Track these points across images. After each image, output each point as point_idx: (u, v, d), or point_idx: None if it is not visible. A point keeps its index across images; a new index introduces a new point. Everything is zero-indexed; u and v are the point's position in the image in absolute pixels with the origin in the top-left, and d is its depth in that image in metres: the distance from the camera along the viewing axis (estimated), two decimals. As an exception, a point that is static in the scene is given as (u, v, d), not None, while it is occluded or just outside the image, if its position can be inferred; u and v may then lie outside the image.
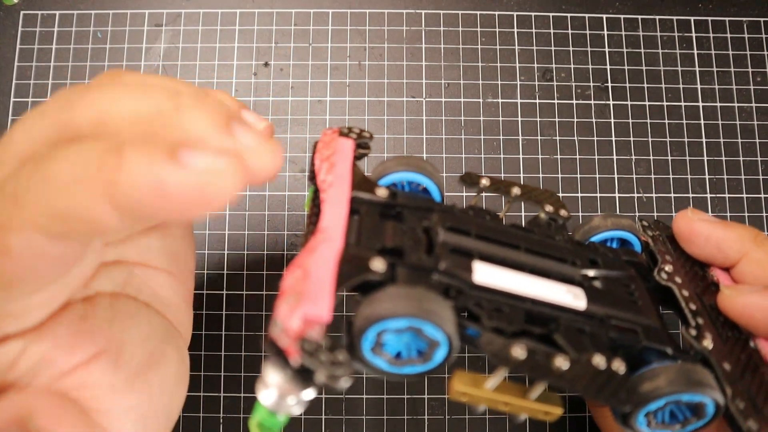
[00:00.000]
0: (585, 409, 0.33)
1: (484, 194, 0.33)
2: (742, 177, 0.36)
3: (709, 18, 0.38)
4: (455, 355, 0.17)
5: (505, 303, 0.19)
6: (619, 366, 0.18)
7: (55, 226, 0.14)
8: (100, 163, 0.13)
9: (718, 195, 0.35)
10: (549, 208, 0.23)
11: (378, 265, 0.18)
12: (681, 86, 0.37)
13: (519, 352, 0.17)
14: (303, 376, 0.16)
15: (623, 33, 0.37)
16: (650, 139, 0.36)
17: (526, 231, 0.22)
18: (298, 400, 0.17)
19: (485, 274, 0.19)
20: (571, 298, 0.20)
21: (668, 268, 0.22)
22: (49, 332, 0.17)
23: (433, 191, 0.23)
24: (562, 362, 0.18)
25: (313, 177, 0.21)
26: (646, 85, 0.37)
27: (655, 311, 0.21)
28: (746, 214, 0.35)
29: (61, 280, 0.16)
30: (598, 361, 0.18)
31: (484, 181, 0.23)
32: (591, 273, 0.21)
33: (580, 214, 0.34)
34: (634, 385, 0.18)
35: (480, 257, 0.20)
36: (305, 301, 0.15)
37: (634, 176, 0.35)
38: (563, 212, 0.23)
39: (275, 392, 0.16)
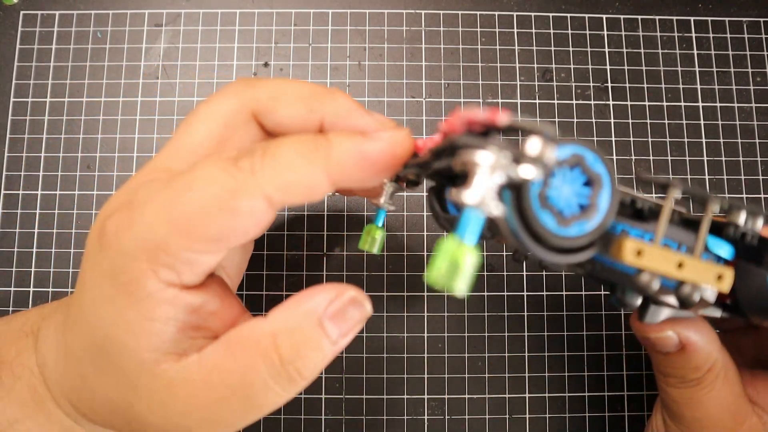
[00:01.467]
0: (585, 409, 0.33)
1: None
2: (742, 177, 0.36)
3: (709, 18, 0.38)
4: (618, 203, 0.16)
5: None
6: None
7: (277, 195, 0.18)
8: (315, 145, 0.19)
9: (717, 195, 0.35)
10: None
11: None
12: (681, 86, 0.37)
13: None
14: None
15: (623, 33, 0.37)
16: (650, 139, 0.36)
17: None
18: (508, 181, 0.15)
19: None
20: None
21: None
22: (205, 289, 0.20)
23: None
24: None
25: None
26: (645, 86, 0.37)
27: None
28: (746, 215, 0.35)
29: (229, 249, 0.19)
30: None
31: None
32: None
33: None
34: None
35: None
36: None
37: (634, 176, 0.35)
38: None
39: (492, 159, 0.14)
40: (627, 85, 0.37)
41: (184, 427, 0.19)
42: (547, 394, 0.33)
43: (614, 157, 0.35)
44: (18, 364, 0.23)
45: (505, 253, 0.34)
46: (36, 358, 0.23)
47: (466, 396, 0.33)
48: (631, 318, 0.23)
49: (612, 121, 0.36)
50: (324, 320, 0.19)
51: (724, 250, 0.19)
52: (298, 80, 0.22)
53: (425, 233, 0.34)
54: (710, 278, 0.17)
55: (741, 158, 0.36)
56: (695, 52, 0.37)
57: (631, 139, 0.36)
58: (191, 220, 0.18)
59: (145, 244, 0.18)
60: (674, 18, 0.38)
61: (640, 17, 0.38)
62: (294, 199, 0.19)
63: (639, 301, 0.21)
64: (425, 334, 0.33)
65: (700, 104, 0.36)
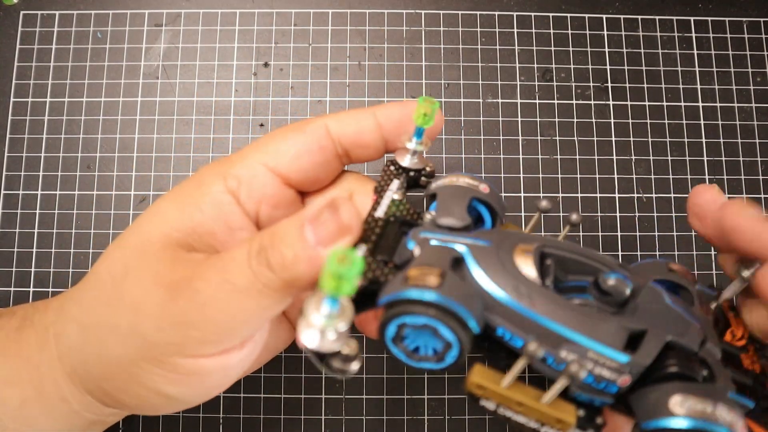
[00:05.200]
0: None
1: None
2: (742, 177, 0.36)
3: (709, 18, 0.38)
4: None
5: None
6: None
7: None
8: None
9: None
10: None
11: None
12: (681, 86, 0.37)
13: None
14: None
15: (623, 33, 0.37)
16: (650, 140, 0.36)
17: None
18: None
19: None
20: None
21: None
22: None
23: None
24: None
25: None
26: (645, 86, 0.37)
27: None
28: (746, 215, 0.35)
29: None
30: None
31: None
32: None
33: (580, 214, 0.34)
34: None
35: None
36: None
37: (634, 176, 0.35)
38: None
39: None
40: (627, 85, 0.37)
41: (161, 300, 0.20)
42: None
43: (614, 157, 0.35)
44: (43, 327, 0.24)
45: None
46: (54, 329, 0.23)
47: (466, 396, 0.33)
48: None
49: (612, 121, 0.36)
50: (305, 223, 0.19)
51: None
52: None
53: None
54: (549, 422, 0.19)
55: (741, 158, 0.36)
56: (695, 52, 0.37)
57: (631, 139, 0.36)
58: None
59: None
60: (674, 18, 0.38)
61: (640, 17, 0.38)
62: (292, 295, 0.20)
63: None
64: (425, 334, 0.33)
65: (700, 104, 0.36)
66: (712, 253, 0.34)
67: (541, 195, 0.35)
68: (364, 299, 0.20)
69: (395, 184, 0.24)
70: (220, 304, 0.19)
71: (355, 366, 0.18)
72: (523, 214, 0.34)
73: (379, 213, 0.23)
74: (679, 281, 0.23)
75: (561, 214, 0.34)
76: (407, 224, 0.23)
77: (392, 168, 0.24)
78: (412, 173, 0.24)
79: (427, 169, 0.25)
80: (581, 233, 0.34)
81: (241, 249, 0.20)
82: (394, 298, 0.18)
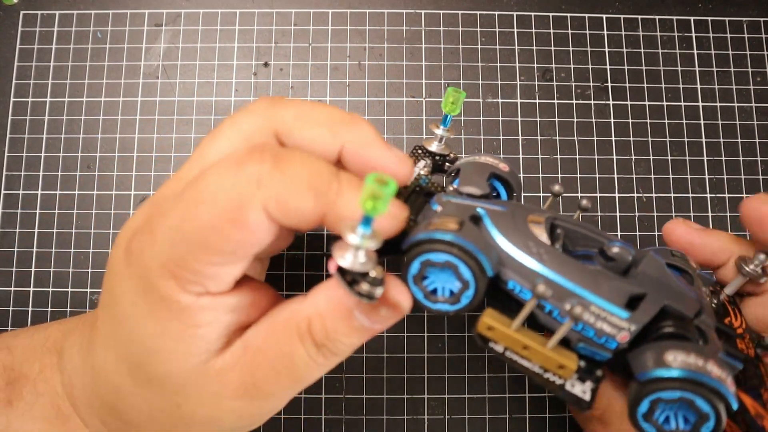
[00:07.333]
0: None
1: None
2: (742, 177, 0.36)
3: (709, 18, 0.38)
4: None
5: None
6: None
7: (275, 213, 0.18)
8: (328, 185, 0.19)
9: (717, 195, 0.35)
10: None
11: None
12: (681, 86, 0.37)
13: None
14: None
15: (623, 33, 0.37)
16: (650, 139, 0.36)
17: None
18: None
19: None
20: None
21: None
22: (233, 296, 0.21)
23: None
24: None
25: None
26: (645, 85, 0.37)
27: None
28: (746, 214, 0.35)
29: (250, 257, 0.20)
30: None
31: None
32: None
33: (580, 214, 0.34)
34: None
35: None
36: None
37: (634, 176, 0.35)
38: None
39: None
40: (627, 85, 0.37)
41: (237, 408, 0.20)
42: (547, 394, 0.33)
43: (614, 157, 0.35)
44: (41, 380, 0.24)
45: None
46: (61, 378, 0.24)
47: (466, 396, 0.33)
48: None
49: (612, 121, 0.36)
50: (355, 311, 0.19)
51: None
52: (322, 104, 0.22)
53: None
54: (552, 366, 0.20)
55: (741, 158, 0.36)
56: (695, 52, 0.37)
57: (631, 139, 0.36)
58: (204, 236, 0.18)
59: (166, 263, 0.19)
60: (674, 18, 0.38)
61: (640, 17, 0.38)
62: (286, 223, 0.19)
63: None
64: (425, 334, 0.33)
65: (700, 104, 0.36)
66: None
67: (541, 195, 0.35)
68: (391, 247, 0.21)
69: (421, 163, 0.26)
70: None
71: (380, 290, 0.18)
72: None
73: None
74: (680, 265, 0.24)
75: (561, 213, 0.34)
76: (431, 195, 0.24)
77: (419, 151, 0.27)
78: (437, 158, 0.26)
79: (451, 155, 0.27)
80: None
81: (300, 352, 0.20)
82: (419, 238, 0.20)
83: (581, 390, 0.21)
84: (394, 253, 0.21)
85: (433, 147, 0.26)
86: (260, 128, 0.21)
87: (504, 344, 0.21)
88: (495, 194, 0.25)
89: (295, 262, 0.33)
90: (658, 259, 0.22)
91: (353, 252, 0.18)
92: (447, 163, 0.27)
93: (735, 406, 0.18)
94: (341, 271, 0.18)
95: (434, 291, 0.21)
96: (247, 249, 0.19)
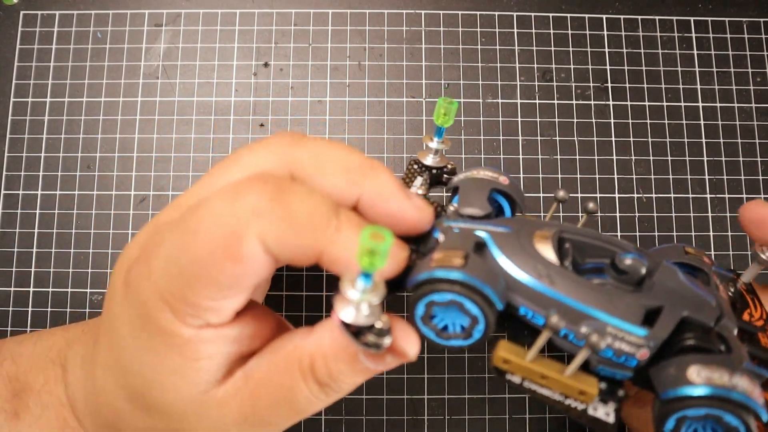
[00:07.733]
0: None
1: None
2: (742, 177, 0.36)
3: (709, 18, 0.38)
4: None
5: None
6: None
7: (273, 247, 0.18)
8: (327, 223, 0.18)
9: (717, 195, 0.35)
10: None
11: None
12: (681, 87, 0.37)
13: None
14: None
15: (623, 33, 0.37)
16: (650, 140, 0.36)
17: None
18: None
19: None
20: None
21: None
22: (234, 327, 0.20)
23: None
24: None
25: None
26: (645, 86, 0.37)
27: None
28: (746, 215, 0.35)
29: (249, 289, 0.19)
30: None
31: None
32: None
33: (580, 214, 0.34)
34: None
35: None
36: None
37: (634, 176, 0.35)
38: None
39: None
40: (627, 85, 0.37)
41: None
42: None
43: (614, 158, 0.36)
44: (46, 392, 0.24)
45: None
46: (66, 391, 0.23)
47: (466, 396, 0.33)
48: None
49: (612, 121, 0.36)
50: (360, 354, 0.19)
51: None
52: (344, 146, 0.21)
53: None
54: (573, 393, 0.20)
55: (741, 158, 0.36)
56: (695, 52, 0.37)
57: (631, 139, 0.36)
58: (200, 268, 0.18)
59: (164, 295, 0.18)
60: (674, 18, 0.38)
61: (640, 17, 0.38)
62: (282, 257, 0.18)
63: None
64: (425, 334, 0.33)
65: (700, 104, 0.36)
66: (713, 252, 0.34)
67: (541, 195, 0.35)
68: (394, 285, 0.20)
69: (419, 180, 0.25)
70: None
71: (387, 340, 0.18)
72: (523, 214, 0.34)
73: None
74: (695, 263, 0.23)
75: (561, 214, 0.34)
76: None
77: (415, 167, 0.26)
78: (434, 171, 0.25)
79: (449, 167, 0.26)
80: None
81: (301, 387, 0.20)
82: (421, 278, 0.19)
83: (604, 412, 0.20)
84: (399, 291, 0.21)
85: (429, 160, 0.25)
86: (276, 167, 0.20)
87: (521, 375, 0.20)
88: (497, 207, 0.25)
89: (294, 284, 0.33)
90: (672, 267, 0.22)
91: (355, 306, 0.17)
92: (445, 175, 0.26)
93: (765, 418, 0.18)
94: (345, 323, 0.18)
95: (445, 328, 0.20)
96: (244, 282, 0.18)
